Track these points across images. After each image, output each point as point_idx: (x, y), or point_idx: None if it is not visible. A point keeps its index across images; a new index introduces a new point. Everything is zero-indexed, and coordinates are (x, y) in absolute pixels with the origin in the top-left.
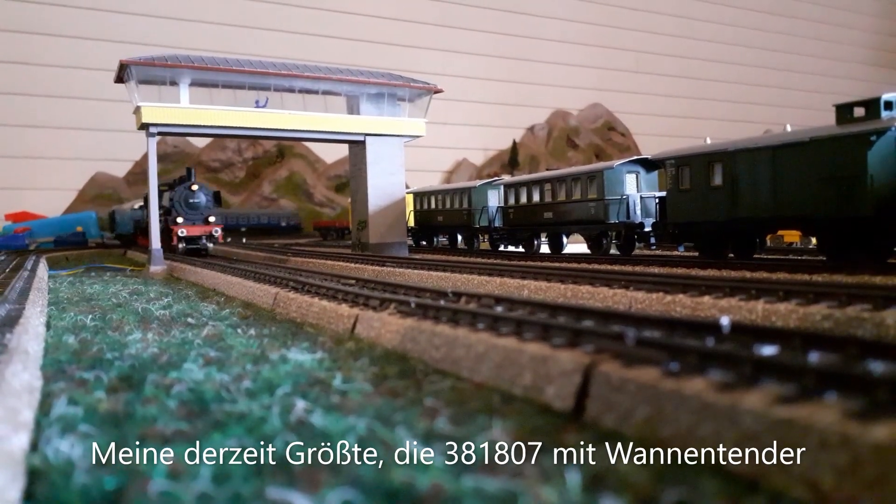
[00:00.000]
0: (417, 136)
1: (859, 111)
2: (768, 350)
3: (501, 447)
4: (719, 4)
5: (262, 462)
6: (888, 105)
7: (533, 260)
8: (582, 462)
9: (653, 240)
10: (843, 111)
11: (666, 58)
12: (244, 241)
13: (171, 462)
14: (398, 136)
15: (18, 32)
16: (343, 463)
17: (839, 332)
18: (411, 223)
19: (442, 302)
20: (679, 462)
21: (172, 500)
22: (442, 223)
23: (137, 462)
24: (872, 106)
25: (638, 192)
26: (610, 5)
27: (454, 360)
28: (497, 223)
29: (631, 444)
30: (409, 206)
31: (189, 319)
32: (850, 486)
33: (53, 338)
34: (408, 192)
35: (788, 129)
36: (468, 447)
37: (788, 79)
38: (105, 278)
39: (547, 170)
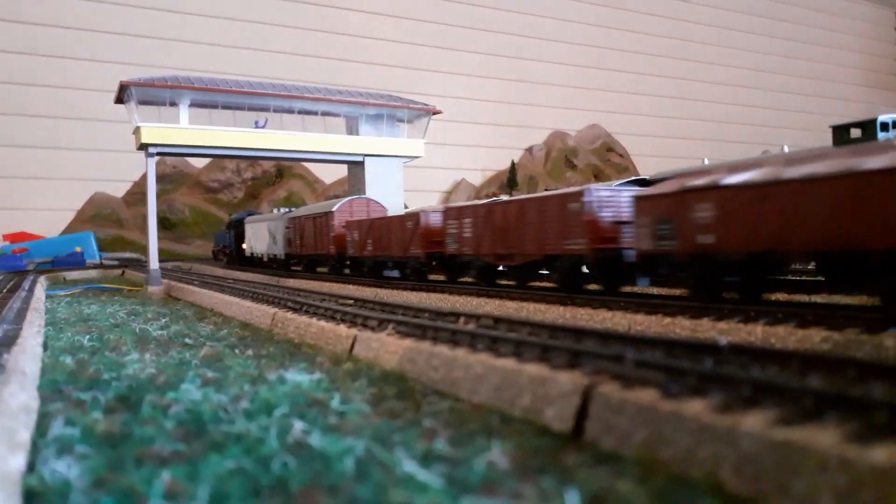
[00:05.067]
0: (416, 157)
1: (856, 132)
2: (767, 372)
3: (500, 468)
4: (716, 27)
5: (259, 483)
6: (884, 126)
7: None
8: (581, 483)
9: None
10: (840, 132)
11: (664, 79)
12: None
13: (168, 483)
14: (397, 156)
15: (18, 53)
16: (341, 484)
17: (838, 354)
18: None
19: (440, 322)
20: (679, 483)
21: None
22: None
23: (134, 483)
24: (869, 127)
25: None
26: (608, 27)
27: (453, 381)
28: None
29: (631, 465)
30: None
31: (186, 340)
32: None
33: (50, 358)
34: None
35: (786, 149)
36: (467, 468)
37: (785, 100)
38: (102, 298)
39: (545, 189)
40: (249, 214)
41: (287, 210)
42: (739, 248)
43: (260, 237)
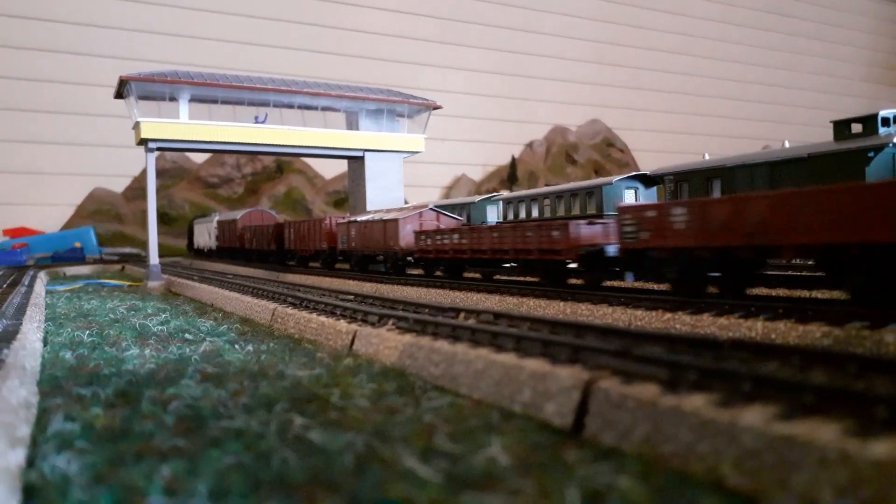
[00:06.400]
0: (416, 152)
1: (857, 127)
2: (768, 367)
3: (500, 464)
4: (717, 21)
5: (259, 478)
6: (885, 121)
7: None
8: (581, 479)
9: None
10: (841, 127)
11: (664, 74)
12: None
13: (168, 478)
14: (397, 151)
15: (17, 48)
16: (341, 479)
17: (838, 350)
18: None
19: (440, 318)
20: (680, 478)
21: None
22: None
23: (134, 479)
24: (870, 122)
25: None
26: (609, 22)
27: (453, 377)
28: None
29: (631, 460)
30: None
31: (187, 335)
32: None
33: (50, 354)
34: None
35: (787, 144)
36: (467, 464)
37: (786, 95)
38: (102, 294)
39: (546, 185)
40: (200, 216)
41: (217, 215)
42: (363, 249)
43: (202, 234)
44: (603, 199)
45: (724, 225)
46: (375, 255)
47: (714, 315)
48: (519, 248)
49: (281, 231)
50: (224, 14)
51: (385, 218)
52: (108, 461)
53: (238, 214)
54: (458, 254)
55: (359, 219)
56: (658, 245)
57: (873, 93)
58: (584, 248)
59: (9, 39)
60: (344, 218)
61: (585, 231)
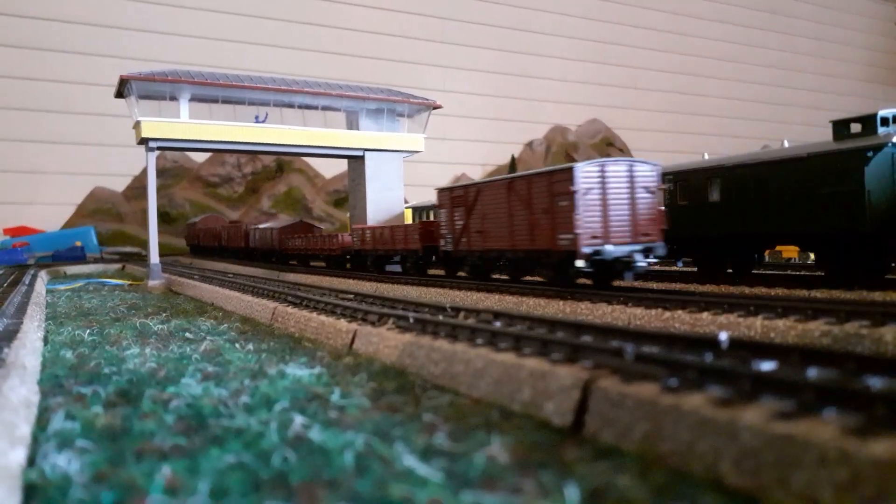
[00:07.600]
0: (416, 152)
1: (856, 127)
2: (767, 366)
3: (500, 463)
4: (716, 21)
5: (260, 477)
6: (884, 121)
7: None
8: (581, 477)
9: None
10: (840, 127)
11: (663, 74)
12: None
13: (168, 477)
14: (397, 151)
15: (17, 48)
16: (341, 478)
17: (838, 349)
18: None
19: (440, 317)
20: (679, 477)
21: None
22: None
23: (135, 477)
24: (869, 122)
25: None
26: (608, 22)
27: (453, 376)
28: None
29: (630, 459)
30: (409, 222)
31: (187, 334)
32: (850, 502)
33: (51, 352)
34: (407, 207)
35: (786, 144)
36: (467, 463)
37: (785, 95)
38: (103, 293)
39: None
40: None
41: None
42: (262, 248)
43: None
44: None
45: (380, 238)
46: (269, 252)
47: (713, 314)
48: (323, 248)
49: (220, 232)
50: (225, 13)
51: (272, 226)
52: (109, 460)
53: (198, 219)
54: (301, 251)
55: (260, 226)
56: (363, 248)
57: (872, 92)
58: (347, 248)
59: (9, 39)
60: (252, 225)
61: (347, 238)
